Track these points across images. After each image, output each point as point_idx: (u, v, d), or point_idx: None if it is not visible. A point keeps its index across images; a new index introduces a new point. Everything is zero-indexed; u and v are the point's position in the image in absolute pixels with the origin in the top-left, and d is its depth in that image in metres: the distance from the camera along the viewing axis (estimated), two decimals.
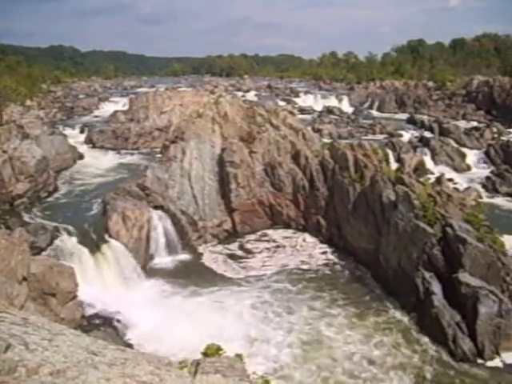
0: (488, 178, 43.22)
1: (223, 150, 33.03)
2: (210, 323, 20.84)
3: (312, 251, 30.00)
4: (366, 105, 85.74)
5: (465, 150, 50.35)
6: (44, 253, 22.15)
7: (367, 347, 19.96)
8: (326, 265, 28.20)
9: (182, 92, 62.45)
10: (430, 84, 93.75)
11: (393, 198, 25.60)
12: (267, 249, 30.26)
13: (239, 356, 6.23)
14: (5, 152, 30.41)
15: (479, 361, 19.01)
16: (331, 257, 29.30)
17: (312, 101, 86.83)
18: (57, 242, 23.40)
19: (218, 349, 7.09)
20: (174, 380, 4.60)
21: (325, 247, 30.56)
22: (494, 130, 58.33)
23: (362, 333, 20.96)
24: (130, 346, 18.20)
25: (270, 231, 32.73)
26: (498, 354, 19.22)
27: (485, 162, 48.64)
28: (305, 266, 27.85)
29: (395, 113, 79.40)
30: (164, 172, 31.32)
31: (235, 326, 21.17)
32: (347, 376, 18.16)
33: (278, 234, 32.41)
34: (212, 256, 29.19)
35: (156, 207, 29.36)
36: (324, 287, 25.29)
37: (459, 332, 19.64)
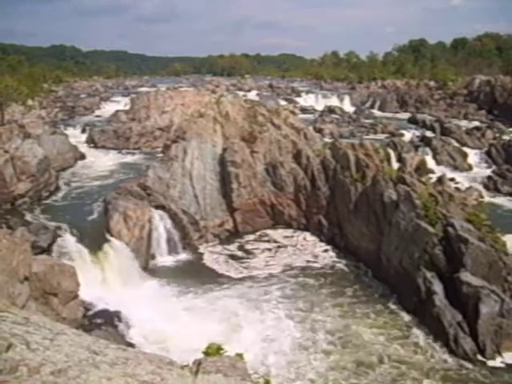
0: (489, 177, 43.21)
1: (225, 149, 33.04)
2: (212, 322, 20.87)
3: (313, 251, 30.01)
4: (368, 104, 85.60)
5: (466, 149, 50.27)
6: (45, 252, 22.16)
7: (367, 345, 19.96)
8: (328, 264, 28.21)
9: (184, 92, 62.36)
10: (432, 83, 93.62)
11: (394, 197, 25.59)
12: (269, 248, 30.27)
13: (240, 355, 6.23)
14: (6, 152, 30.42)
15: (480, 360, 19.01)
16: (333, 256, 29.30)
17: (313, 100, 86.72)
18: (58, 241, 23.41)
19: (219, 348, 7.07)
20: (176, 379, 4.61)
21: (326, 246, 30.57)
22: (496, 129, 58.29)
23: (362, 331, 20.96)
24: (131, 345, 18.20)
25: (271, 231, 32.74)
26: (499, 353, 19.22)
27: (486, 162, 48.58)
28: (307, 266, 27.85)
29: (397, 112, 79.26)
30: (165, 172, 31.33)
31: (244, 324, 21.21)
32: (337, 371, 18.18)
33: (279, 233, 32.42)
34: (213, 256, 29.21)
35: (157, 207, 29.37)
36: (325, 287, 25.30)
37: (460, 331, 19.64)
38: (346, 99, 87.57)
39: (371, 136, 55.48)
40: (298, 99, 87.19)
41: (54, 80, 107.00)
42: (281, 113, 38.32)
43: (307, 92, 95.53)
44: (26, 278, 17.23)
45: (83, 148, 46.55)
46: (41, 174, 31.79)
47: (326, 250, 30.11)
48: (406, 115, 72.28)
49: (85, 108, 72.26)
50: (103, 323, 20.06)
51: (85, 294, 20.71)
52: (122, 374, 4.30)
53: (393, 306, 23.25)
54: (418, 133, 56.05)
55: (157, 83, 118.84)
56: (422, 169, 42.95)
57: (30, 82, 67.64)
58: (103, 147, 49.31)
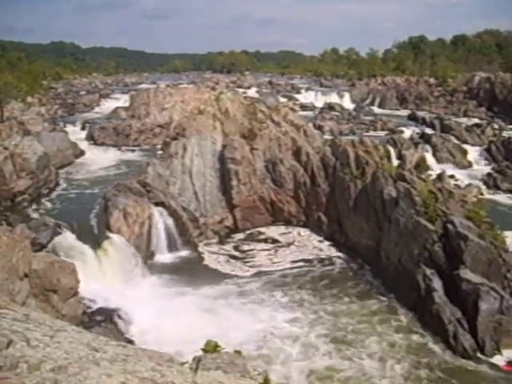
0: (489, 174, 43.20)
1: (224, 146, 33.01)
2: (213, 320, 20.89)
3: (313, 248, 30.02)
4: (368, 101, 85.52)
5: (466, 146, 50.27)
6: (45, 249, 22.15)
7: (366, 342, 19.99)
8: (327, 261, 28.24)
9: (183, 88, 62.34)
10: (432, 80, 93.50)
11: (394, 194, 25.60)
12: (269, 245, 30.27)
13: (239, 352, 6.24)
14: (6, 149, 30.41)
15: (480, 357, 19.04)
16: (332, 253, 29.32)
17: (313, 97, 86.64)
18: (58, 238, 23.39)
19: (216, 345, 7.07)
20: (176, 376, 4.61)
21: (326, 243, 30.58)
22: (496, 126, 58.26)
23: (361, 327, 20.99)
24: (131, 342, 18.23)
25: (271, 228, 32.73)
26: (498, 350, 19.25)
27: (486, 159, 48.55)
28: (307, 263, 27.88)
29: (396, 109, 79.26)
30: (165, 169, 31.33)
31: (238, 321, 21.24)
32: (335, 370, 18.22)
33: (279, 230, 32.42)
34: (213, 252, 29.21)
35: (157, 204, 29.34)
36: (324, 284, 25.32)
37: (460, 328, 19.66)
38: (346, 96, 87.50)
39: (371, 133, 55.49)
40: (297, 96, 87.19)
41: (53, 77, 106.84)
42: (280, 110, 38.28)
43: (307, 89, 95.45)
44: (26, 275, 17.24)
45: (83, 145, 46.54)
46: (40, 170, 31.78)
47: (325, 247, 30.12)
48: (406, 112, 72.36)
49: (84, 105, 72.27)
50: (103, 320, 20.08)
51: (85, 290, 20.72)
52: (121, 370, 4.31)
53: (392, 303, 23.26)
54: (417, 130, 56.02)
55: (156, 80, 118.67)
56: (421, 166, 42.98)
57: (30, 79, 67.55)
58: (103, 144, 49.33)
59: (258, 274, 26.49)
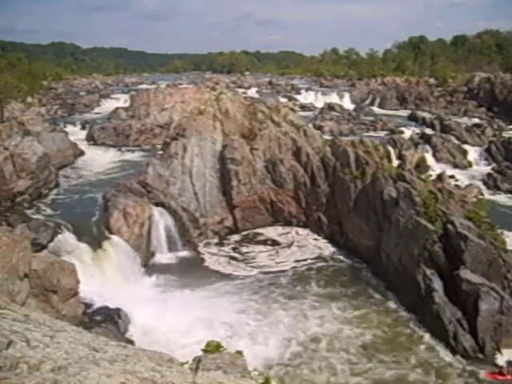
0: (489, 174, 43.22)
1: (224, 146, 33.00)
2: (211, 320, 20.88)
3: (314, 248, 29.99)
4: (368, 101, 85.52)
5: (466, 146, 50.30)
6: (45, 249, 22.14)
7: (366, 343, 19.98)
8: (327, 261, 28.21)
9: (183, 89, 62.40)
10: (432, 81, 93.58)
11: (394, 194, 25.58)
12: (269, 246, 30.25)
13: (240, 352, 6.24)
14: (6, 149, 30.38)
15: (480, 357, 19.02)
16: (332, 253, 29.30)
17: (313, 97, 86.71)
18: (58, 238, 23.38)
19: (218, 345, 7.08)
20: (176, 376, 4.61)
21: (326, 243, 30.56)
22: (496, 126, 58.27)
23: (362, 328, 20.98)
24: (131, 342, 18.21)
25: (271, 228, 32.71)
26: (498, 350, 19.23)
27: (486, 159, 48.57)
28: (307, 264, 27.85)
29: (396, 109, 79.29)
30: (165, 169, 31.31)
31: (241, 325, 21.24)
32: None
33: (279, 230, 32.40)
34: (213, 253, 29.19)
35: (157, 204, 29.36)
36: (324, 284, 25.30)
37: (460, 329, 19.65)
38: (346, 96, 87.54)
39: (371, 133, 55.51)
40: (297, 96, 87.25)
41: (53, 77, 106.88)
42: (280, 110, 38.26)
43: (307, 89, 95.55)
44: (26, 276, 17.23)
45: (83, 145, 46.55)
46: (40, 171, 31.75)
47: (326, 247, 30.09)
48: (406, 112, 72.41)
49: (84, 105, 72.30)
50: (103, 320, 20.06)
51: (85, 291, 20.71)
52: (121, 371, 4.30)
53: (392, 303, 23.25)
54: (417, 130, 56.05)
55: (156, 80, 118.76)
56: (421, 166, 42.94)
57: (30, 80, 67.59)
58: (103, 144, 49.35)
59: (260, 275, 26.47)
